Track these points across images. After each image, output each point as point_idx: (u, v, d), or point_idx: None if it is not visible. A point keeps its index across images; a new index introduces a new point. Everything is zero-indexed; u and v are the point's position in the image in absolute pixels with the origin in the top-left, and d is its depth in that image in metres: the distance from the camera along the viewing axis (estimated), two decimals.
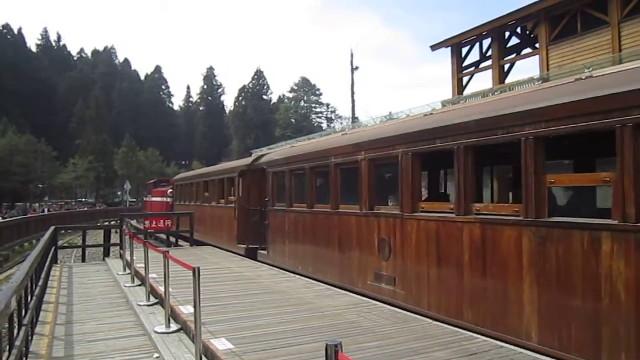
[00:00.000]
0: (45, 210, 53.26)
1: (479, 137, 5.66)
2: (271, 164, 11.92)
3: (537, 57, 14.66)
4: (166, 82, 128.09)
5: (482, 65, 17.20)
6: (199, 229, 17.09)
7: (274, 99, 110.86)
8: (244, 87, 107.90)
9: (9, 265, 22.59)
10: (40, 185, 67.79)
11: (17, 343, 4.72)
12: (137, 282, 9.65)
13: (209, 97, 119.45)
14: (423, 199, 7.50)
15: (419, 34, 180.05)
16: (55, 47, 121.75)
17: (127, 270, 10.77)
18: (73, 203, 71.99)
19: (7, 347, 4.57)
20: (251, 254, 12.67)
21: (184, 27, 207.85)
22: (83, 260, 15.12)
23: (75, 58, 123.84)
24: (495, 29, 15.87)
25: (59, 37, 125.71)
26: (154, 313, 7.26)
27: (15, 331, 4.88)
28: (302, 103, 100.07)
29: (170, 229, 17.47)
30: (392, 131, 7.66)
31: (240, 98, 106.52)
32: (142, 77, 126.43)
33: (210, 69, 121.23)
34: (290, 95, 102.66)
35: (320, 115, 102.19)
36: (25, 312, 5.97)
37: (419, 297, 6.59)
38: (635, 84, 4.17)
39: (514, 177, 8.08)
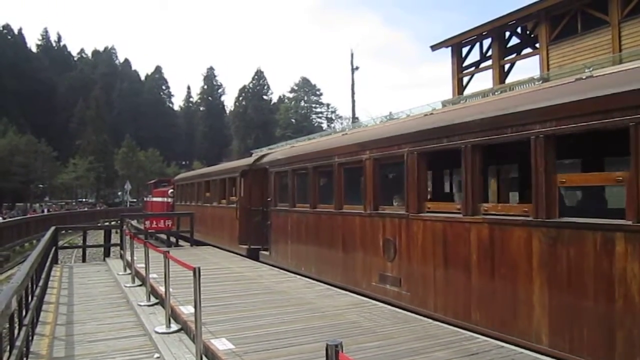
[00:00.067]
0: (45, 210, 53.28)
1: (487, 135, 5.56)
2: (273, 163, 11.83)
3: (537, 57, 14.65)
4: (166, 82, 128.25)
5: (482, 65, 17.19)
6: (200, 229, 17.05)
7: (275, 99, 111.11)
8: (244, 87, 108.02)
9: (10, 265, 22.61)
10: (41, 186, 67.85)
11: (18, 343, 4.73)
12: (137, 282, 9.65)
13: (210, 97, 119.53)
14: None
15: (419, 34, 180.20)
16: (56, 48, 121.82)
17: (128, 271, 10.77)
18: (73, 203, 72.00)
19: (8, 347, 4.58)
20: (253, 255, 12.59)
21: (184, 28, 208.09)
22: (83, 260, 15.13)
23: (75, 58, 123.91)
24: (496, 29, 15.87)
25: (59, 38, 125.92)
26: (154, 313, 7.26)
27: (16, 331, 4.88)
28: (302, 103, 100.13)
29: (171, 229, 17.47)
30: (398, 130, 7.54)
31: (240, 98, 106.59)
32: (143, 78, 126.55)
33: (211, 69, 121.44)
34: (291, 95, 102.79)
35: (320, 115, 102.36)
36: (26, 313, 5.97)
37: (425, 298, 6.49)
38: None
39: (521, 177, 8.02)
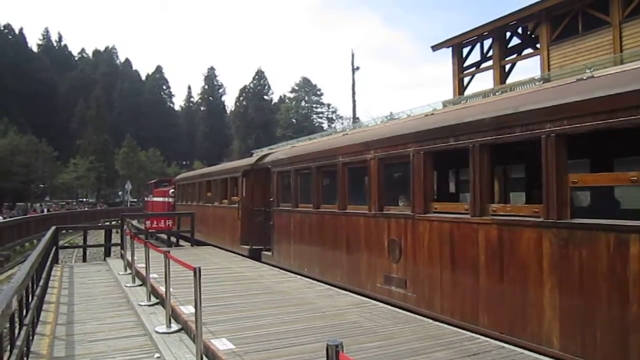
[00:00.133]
0: (45, 210, 53.24)
1: (496, 135, 5.46)
2: (276, 163, 11.74)
3: (538, 57, 14.66)
4: (167, 82, 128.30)
5: (483, 65, 17.20)
6: (201, 229, 17.02)
7: (275, 99, 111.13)
8: (245, 87, 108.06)
9: (10, 265, 22.60)
10: (42, 186, 67.85)
11: (18, 343, 4.73)
12: (138, 282, 9.65)
13: (210, 97, 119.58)
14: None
15: (420, 34, 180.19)
16: (57, 47, 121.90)
17: (128, 271, 10.77)
18: (74, 203, 72.02)
19: (9, 347, 4.58)
20: (255, 255, 12.51)
21: (185, 28, 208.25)
22: (84, 260, 15.13)
23: (76, 58, 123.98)
24: (496, 29, 15.87)
25: (60, 37, 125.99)
26: (154, 313, 7.26)
27: (17, 331, 4.88)
28: (303, 103, 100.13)
29: (171, 229, 17.48)
30: (403, 129, 7.42)
31: (241, 98, 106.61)
32: (143, 77, 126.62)
33: (211, 69, 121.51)
34: (291, 95, 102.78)
35: (321, 115, 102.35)
36: (27, 312, 5.97)
37: (431, 300, 6.40)
38: None
39: (528, 177, 7.96)
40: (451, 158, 7.71)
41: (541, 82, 10.60)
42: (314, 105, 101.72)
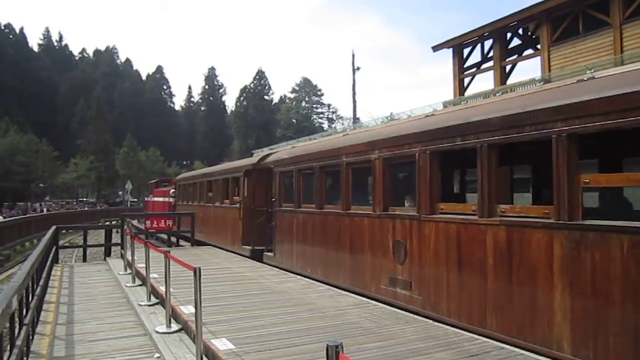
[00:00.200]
0: (45, 210, 53.20)
1: (505, 134, 5.35)
2: (278, 163, 11.63)
3: (538, 58, 14.65)
4: (168, 82, 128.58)
5: (483, 66, 17.19)
6: (202, 229, 16.97)
7: (276, 100, 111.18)
8: (245, 87, 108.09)
9: (10, 264, 22.60)
10: (42, 185, 67.84)
11: (18, 343, 4.72)
12: (138, 282, 9.65)
13: (211, 97, 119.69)
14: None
15: (420, 35, 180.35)
16: (57, 47, 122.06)
17: (128, 270, 10.77)
18: (74, 203, 72.04)
19: (9, 346, 4.58)
20: (256, 256, 12.41)
21: (185, 28, 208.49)
22: (84, 260, 15.12)
23: (76, 58, 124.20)
24: (497, 30, 15.86)
25: (60, 37, 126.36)
26: (154, 313, 7.26)
27: (17, 331, 4.88)
28: (303, 103, 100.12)
29: (172, 229, 17.48)
30: (409, 129, 7.31)
31: (241, 98, 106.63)
32: (144, 77, 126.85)
33: (212, 69, 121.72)
34: (292, 95, 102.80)
35: (321, 115, 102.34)
36: (27, 312, 5.97)
37: (437, 303, 6.30)
38: None
39: (536, 177, 7.88)
40: (458, 158, 7.59)
41: (542, 82, 10.60)
42: (315, 106, 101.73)
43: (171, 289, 6.48)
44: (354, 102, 41.72)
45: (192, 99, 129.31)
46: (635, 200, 6.38)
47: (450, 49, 17.67)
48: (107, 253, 15.10)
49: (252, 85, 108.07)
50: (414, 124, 7.79)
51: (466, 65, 17.60)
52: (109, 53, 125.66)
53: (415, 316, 6.41)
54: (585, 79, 5.65)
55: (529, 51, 16.25)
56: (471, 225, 5.79)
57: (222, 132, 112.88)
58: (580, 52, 13.03)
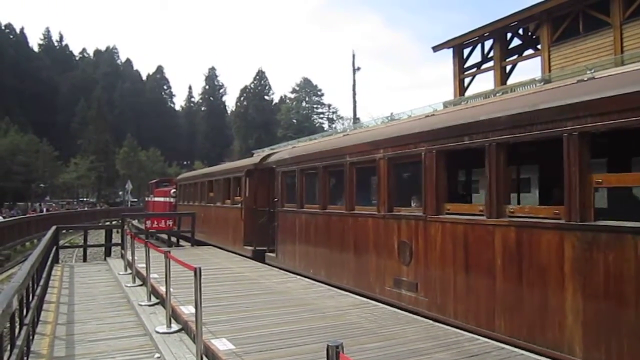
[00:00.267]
0: (45, 209, 53.17)
1: (514, 133, 5.24)
2: (281, 163, 11.51)
3: (539, 58, 14.66)
4: (168, 82, 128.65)
5: (483, 66, 17.20)
6: (203, 229, 16.91)
7: (276, 100, 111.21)
8: (245, 87, 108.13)
9: (11, 264, 22.59)
10: (42, 185, 67.88)
11: (19, 343, 4.72)
12: (138, 282, 9.65)
13: (211, 98, 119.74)
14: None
15: (420, 35, 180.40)
16: (58, 47, 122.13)
17: (129, 270, 10.77)
18: (74, 203, 72.07)
19: (9, 346, 4.58)
20: (258, 257, 12.32)
21: (185, 28, 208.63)
22: (84, 260, 15.11)
23: (77, 58, 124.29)
24: (497, 30, 15.87)
25: (61, 37, 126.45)
26: (155, 313, 7.26)
27: (17, 331, 4.88)
28: (303, 104, 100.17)
29: (172, 229, 17.47)
30: (414, 128, 7.18)
31: (242, 98, 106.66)
32: (144, 77, 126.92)
33: (212, 69, 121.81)
34: (292, 95, 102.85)
35: (322, 116, 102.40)
36: (27, 312, 5.97)
37: (444, 305, 6.18)
38: None
39: (544, 177, 7.80)
40: (465, 157, 7.47)
41: (542, 83, 10.60)
42: (315, 106, 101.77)
43: (171, 289, 6.48)
44: (354, 102, 41.74)
45: (193, 99, 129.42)
46: None
47: (451, 49, 17.69)
48: (108, 253, 15.09)
49: (252, 86, 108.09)
50: (420, 122, 7.60)
51: (466, 65, 17.62)
52: (110, 53, 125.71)
53: (416, 316, 6.40)
54: (586, 79, 5.62)
55: (529, 51, 16.26)
56: (479, 225, 5.68)
57: (223, 132, 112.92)
58: (581, 52, 13.04)
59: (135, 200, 67.71)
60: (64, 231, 21.00)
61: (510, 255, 5.24)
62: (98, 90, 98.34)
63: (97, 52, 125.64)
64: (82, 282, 10.55)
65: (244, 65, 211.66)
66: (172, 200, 26.50)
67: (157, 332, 6.19)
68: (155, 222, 17.14)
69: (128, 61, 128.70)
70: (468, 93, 16.99)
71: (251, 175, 13.22)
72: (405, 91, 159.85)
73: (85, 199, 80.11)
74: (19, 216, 37.74)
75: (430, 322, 6.11)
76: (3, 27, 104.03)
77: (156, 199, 32.33)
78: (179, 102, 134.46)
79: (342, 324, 6.07)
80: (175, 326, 6.36)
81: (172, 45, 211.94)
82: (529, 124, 5.06)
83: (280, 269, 10.75)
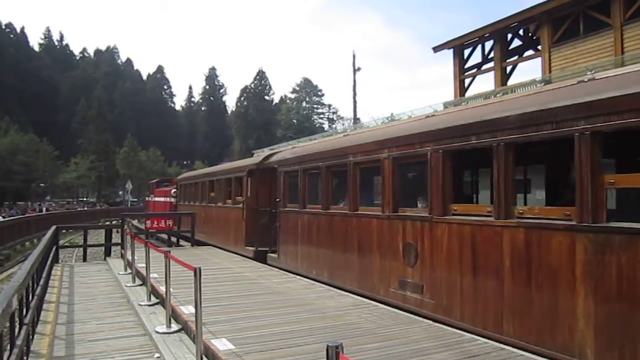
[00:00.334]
0: (44, 209, 53.14)
1: (523, 132, 5.14)
2: (283, 163, 11.42)
3: (539, 59, 14.65)
4: (168, 82, 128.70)
5: (484, 67, 17.19)
6: (205, 230, 16.87)
7: (276, 100, 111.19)
8: (246, 87, 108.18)
9: (11, 264, 22.59)
10: (42, 185, 67.90)
11: (19, 342, 4.72)
12: (138, 282, 9.65)
13: (211, 98, 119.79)
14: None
15: (420, 35, 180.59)
16: (58, 47, 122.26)
17: (128, 270, 10.77)
18: (74, 202, 72.10)
19: (9, 346, 4.58)
20: (260, 257, 12.25)
21: (186, 28, 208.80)
22: (84, 259, 15.12)
23: (77, 58, 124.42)
24: (498, 31, 15.86)
25: (61, 37, 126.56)
26: (155, 313, 7.26)
27: (17, 330, 4.88)
28: (304, 104, 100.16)
29: (172, 229, 17.45)
30: (420, 127, 7.07)
31: (242, 98, 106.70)
32: (145, 77, 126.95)
33: (213, 69, 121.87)
34: (292, 96, 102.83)
35: (322, 116, 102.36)
36: (27, 312, 5.97)
37: (450, 307, 6.08)
38: None
39: (552, 177, 7.73)
40: (472, 157, 7.37)
41: (542, 84, 10.59)
42: (315, 106, 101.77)
43: (171, 289, 6.48)
44: (355, 102, 41.72)
45: (193, 99, 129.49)
46: None
47: (451, 50, 17.68)
48: (107, 253, 15.09)
49: (252, 86, 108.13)
50: (426, 122, 7.50)
51: (467, 66, 17.61)
52: (110, 53, 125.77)
53: (416, 317, 6.40)
54: (586, 80, 5.61)
55: (530, 52, 16.25)
56: (486, 226, 5.59)
57: (223, 132, 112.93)
58: (581, 53, 13.03)
59: (135, 200, 67.71)
60: (63, 231, 21.02)
61: (519, 257, 5.15)
62: (98, 90, 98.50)
63: (98, 51, 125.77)
64: (82, 282, 10.55)
65: (244, 65, 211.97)
66: (172, 200, 26.48)
67: (157, 332, 6.20)
68: (155, 222, 17.14)
69: (128, 61, 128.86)
70: (468, 94, 16.99)
71: (253, 175, 13.12)
72: (405, 91, 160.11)
73: (85, 199, 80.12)
74: (18, 216, 37.74)
75: (430, 322, 6.11)
76: (3, 27, 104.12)
77: (157, 199, 32.32)
78: (179, 102, 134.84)
79: (342, 324, 6.07)
80: (175, 326, 6.37)
81: (172, 45, 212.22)
82: (539, 123, 4.96)
83: (283, 269, 10.67)
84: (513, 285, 5.21)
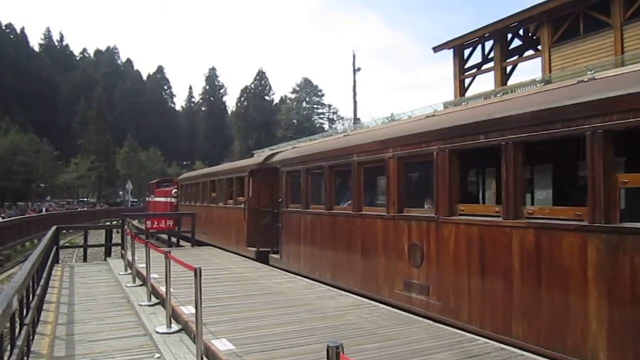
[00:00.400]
0: (44, 209, 53.17)
1: (533, 131, 5.02)
2: (285, 162, 11.30)
3: (539, 59, 14.65)
4: (168, 82, 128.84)
5: (484, 67, 17.20)
6: (206, 230, 16.82)
7: (276, 100, 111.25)
8: (246, 87, 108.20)
9: (11, 264, 22.60)
10: (43, 185, 67.94)
11: (19, 342, 4.72)
12: (138, 282, 9.65)
13: (211, 98, 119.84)
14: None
15: (420, 35, 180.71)
16: (58, 47, 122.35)
17: (129, 271, 10.77)
18: (75, 203, 72.13)
19: (9, 346, 4.58)
20: (262, 258, 12.17)
21: (185, 28, 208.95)
22: (84, 260, 15.11)
23: (77, 58, 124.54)
24: (498, 31, 15.87)
25: (61, 37, 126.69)
26: (155, 313, 7.26)
27: (17, 331, 4.88)
28: (304, 104, 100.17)
29: (172, 229, 17.44)
30: (426, 126, 6.94)
31: (242, 99, 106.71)
32: (145, 77, 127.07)
33: (213, 69, 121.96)
34: (292, 96, 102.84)
35: (322, 116, 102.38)
36: (27, 312, 5.97)
37: (457, 309, 5.97)
38: None
39: (560, 177, 7.65)
40: (480, 156, 7.31)
41: (542, 83, 10.59)
42: (315, 106, 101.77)
43: (171, 289, 6.48)
44: (355, 102, 41.72)
45: (193, 99, 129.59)
46: None
47: (451, 50, 17.69)
48: (108, 253, 15.09)
49: (252, 86, 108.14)
50: (432, 121, 7.35)
51: (467, 66, 17.62)
52: (110, 53, 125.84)
53: (416, 317, 6.39)
54: (586, 79, 5.61)
55: (530, 52, 16.25)
56: (495, 227, 5.48)
57: (223, 133, 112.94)
58: (581, 53, 13.03)
59: (136, 200, 67.72)
60: (64, 231, 21.01)
61: (528, 258, 5.05)
62: (98, 90, 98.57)
63: (98, 52, 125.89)
64: (82, 282, 10.55)
65: (244, 66, 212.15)
66: (173, 200, 26.47)
67: (157, 332, 6.20)
68: (156, 222, 17.13)
69: (128, 61, 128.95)
70: (468, 94, 16.99)
71: (255, 175, 13.02)
72: (405, 91, 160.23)
73: (85, 199, 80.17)
74: (17, 216, 37.74)
75: (431, 322, 6.11)
76: (4, 27, 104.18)
77: (157, 199, 32.32)
78: (179, 102, 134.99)
79: (342, 324, 6.07)
80: (175, 326, 6.37)
81: (172, 45, 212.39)
82: (550, 122, 4.86)
83: (285, 270, 10.59)
84: (522, 287, 5.11)
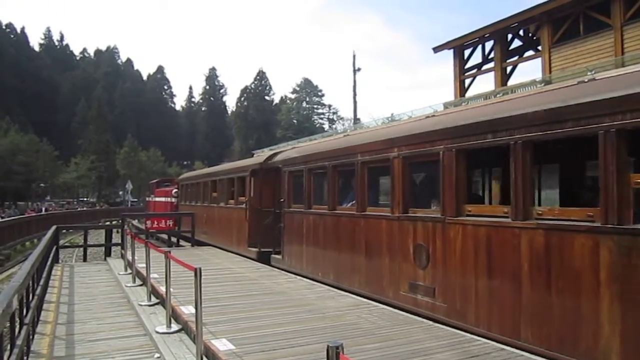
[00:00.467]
0: (43, 209, 53.14)
1: (543, 130, 4.90)
2: (287, 162, 11.17)
3: (539, 59, 14.67)
4: (168, 82, 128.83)
5: (484, 67, 17.21)
6: (206, 231, 16.79)
7: (276, 100, 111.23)
8: (246, 87, 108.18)
9: (11, 264, 22.60)
10: (43, 185, 67.94)
11: (19, 342, 4.72)
12: (138, 282, 9.65)
13: (211, 98, 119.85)
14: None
15: (420, 35, 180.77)
16: (58, 47, 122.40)
17: (129, 270, 10.77)
18: (75, 203, 72.12)
19: (9, 346, 4.58)
20: (263, 258, 12.09)
21: (185, 28, 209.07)
22: (84, 260, 15.11)
23: (77, 58, 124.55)
24: (498, 31, 15.88)
25: (61, 37, 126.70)
26: (155, 313, 7.26)
27: (17, 330, 4.88)
28: (304, 104, 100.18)
29: (172, 229, 17.44)
30: (432, 126, 6.82)
31: (242, 99, 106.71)
32: (145, 77, 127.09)
33: (213, 69, 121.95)
34: (293, 96, 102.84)
35: (322, 116, 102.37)
36: (27, 312, 5.97)
37: (464, 311, 5.86)
38: None
39: (567, 177, 7.61)
40: (488, 156, 7.20)
41: (543, 84, 10.60)
42: (315, 106, 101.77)
43: (171, 289, 6.48)
44: (355, 102, 41.69)
45: (193, 99, 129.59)
46: None
47: (451, 50, 17.70)
48: (108, 253, 15.09)
49: (252, 86, 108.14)
50: (438, 119, 7.26)
51: (467, 66, 17.63)
52: (110, 53, 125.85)
53: (416, 317, 6.39)
54: (586, 80, 5.60)
55: (530, 52, 16.27)
56: (503, 228, 5.37)
57: (223, 133, 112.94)
58: (581, 53, 13.05)
59: (136, 200, 67.72)
60: (64, 231, 21.02)
61: (538, 260, 4.95)
62: (98, 90, 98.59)
63: (98, 51, 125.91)
64: (82, 282, 10.55)
65: (245, 66, 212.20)
66: (173, 200, 26.45)
67: (157, 332, 6.19)
68: (156, 222, 17.13)
69: (128, 61, 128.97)
70: (468, 94, 17.00)
71: (256, 175, 12.93)
72: (405, 91, 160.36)
73: (85, 199, 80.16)
74: (17, 216, 37.74)
75: (430, 322, 6.11)
76: (4, 27, 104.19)
77: (157, 199, 32.30)
78: (179, 102, 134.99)
79: (342, 324, 6.06)
80: (175, 326, 6.37)
81: (172, 45, 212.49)
82: (560, 121, 4.76)
83: (287, 271, 10.52)
84: (532, 289, 5.01)
